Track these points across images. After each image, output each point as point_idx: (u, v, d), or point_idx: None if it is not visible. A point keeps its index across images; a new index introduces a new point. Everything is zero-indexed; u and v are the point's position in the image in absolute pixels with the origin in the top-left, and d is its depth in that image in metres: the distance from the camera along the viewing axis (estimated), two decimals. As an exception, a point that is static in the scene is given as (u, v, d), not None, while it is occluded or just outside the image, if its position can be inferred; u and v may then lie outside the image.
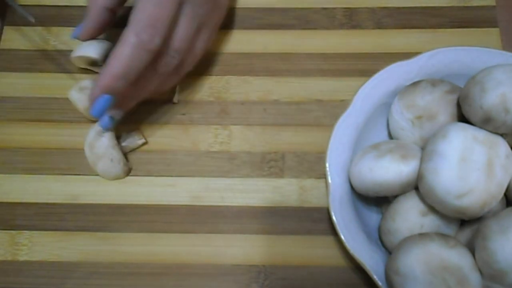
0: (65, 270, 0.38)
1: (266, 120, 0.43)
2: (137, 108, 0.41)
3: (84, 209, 0.40)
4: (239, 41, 0.45)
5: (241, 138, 0.42)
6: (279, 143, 0.42)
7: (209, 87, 0.44)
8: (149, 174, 0.41)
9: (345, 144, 0.38)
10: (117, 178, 0.41)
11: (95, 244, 0.39)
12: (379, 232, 0.38)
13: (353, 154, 0.38)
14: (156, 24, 0.35)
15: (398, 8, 0.46)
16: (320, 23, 0.46)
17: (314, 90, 0.43)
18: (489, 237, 0.31)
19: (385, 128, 0.41)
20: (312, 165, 0.41)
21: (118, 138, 0.41)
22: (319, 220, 0.39)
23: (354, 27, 0.45)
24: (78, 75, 0.44)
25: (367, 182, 0.35)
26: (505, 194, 0.34)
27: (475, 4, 0.45)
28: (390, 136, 0.40)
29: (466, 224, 0.35)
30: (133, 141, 0.41)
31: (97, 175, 0.41)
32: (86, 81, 0.41)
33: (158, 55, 0.36)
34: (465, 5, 0.45)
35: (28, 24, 0.46)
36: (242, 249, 0.39)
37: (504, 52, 0.39)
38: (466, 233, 0.35)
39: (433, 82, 0.38)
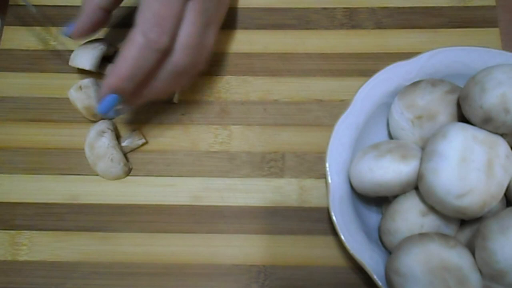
0: (65, 270, 0.38)
1: (266, 120, 0.43)
2: (137, 108, 0.41)
3: (84, 209, 0.40)
4: (239, 41, 0.45)
5: (241, 138, 0.42)
6: (279, 143, 0.42)
7: (209, 87, 0.44)
8: (149, 174, 0.41)
9: (345, 144, 0.38)
10: (117, 178, 0.41)
11: (95, 244, 0.39)
12: (379, 232, 0.38)
13: (353, 154, 0.38)
14: (163, 23, 0.35)
15: (398, 8, 0.46)
16: (320, 23, 0.46)
17: (314, 90, 0.43)
18: (489, 237, 0.31)
19: (385, 128, 0.41)
20: (312, 165, 0.41)
21: (118, 138, 0.41)
22: (319, 220, 0.39)
23: (354, 27, 0.45)
24: (77, 75, 0.44)
25: (367, 182, 0.35)
26: (505, 194, 0.34)
27: (475, 4, 0.45)
28: (390, 136, 0.40)
29: (466, 224, 0.35)
30: (133, 141, 0.41)
31: (97, 175, 0.41)
32: (85, 81, 0.41)
33: (166, 53, 0.36)
34: (465, 5, 0.45)
35: (28, 24, 0.46)
36: (242, 249, 0.39)
37: (504, 52, 0.39)
38: (466, 233, 0.35)
39: (433, 82, 0.38)
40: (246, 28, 0.45)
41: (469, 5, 0.45)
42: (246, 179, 0.41)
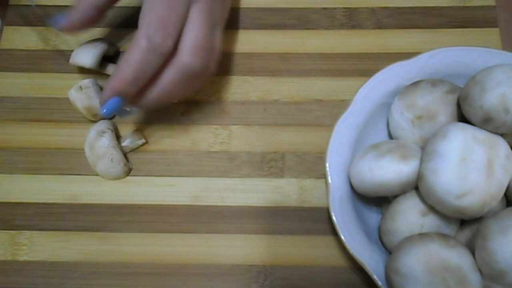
0: (65, 270, 0.38)
1: (266, 120, 0.43)
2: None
3: (84, 209, 0.40)
4: (239, 41, 0.45)
5: (241, 138, 0.42)
6: (279, 143, 0.42)
7: (209, 87, 0.44)
8: (149, 174, 0.41)
9: (345, 144, 0.38)
10: (117, 178, 0.41)
11: (95, 244, 0.39)
12: (379, 232, 0.38)
13: (353, 154, 0.38)
14: (167, 26, 0.34)
15: (398, 8, 0.46)
16: (320, 23, 0.46)
17: (314, 90, 0.43)
18: (489, 237, 0.31)
19: (385, 128, 0.41)
20: (312, 165, 0.41)
21: (118, 138, 0.41)
22: (319, 220, 0.39)
23: (354, 27, 0.45)
24: (78, 75, 0.44)
25: (367, 182, 0.35)
26: (505, 194, 0.34)
27: (475, 4, 0.45)
28: (390, 136, 0.40)
29: (466, 224, 0.35)
30: (133, 141, 0.41)
31: (97, 175, 0.41)
32: (85, 81, 0.41)
33: (170, 56, 0.35)
34: (465, 5, 0.45)
35: (28, 24, 0.46)
36: (242, 249, 0.39)
37: (504, 52, 0.39)
38: (466, 233, 0.35)
39: (433, 82, 0.38)
40: (246, 28, 0.45)
41: (469, 5, 0.45)
42: (246, 179, 0.41)
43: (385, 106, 0.39)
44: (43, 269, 0.38)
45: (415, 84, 0.38)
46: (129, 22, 0.46)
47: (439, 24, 0.45)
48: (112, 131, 0.40)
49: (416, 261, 0.32)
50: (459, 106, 0.36)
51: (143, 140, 0.41)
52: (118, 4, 0.46)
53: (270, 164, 0.41)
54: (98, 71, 0.43)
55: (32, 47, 0.45)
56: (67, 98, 0.42)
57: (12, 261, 0.39)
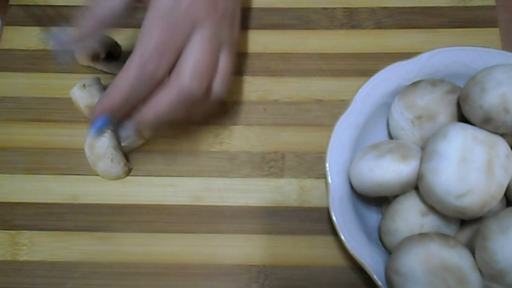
0: (65, 270, 0.38)
1: (266, 120, 0.43)
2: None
3: (84, 209, 0.40)
4: (240, 41, 0.45)
5: (241, 138, 0.42)
6: (279, 143, 0.42)
7: (209, 87, 0.44)
8: (149, 174, 0.41)
9: (345, 144, 0.38)
10: (117, 178, 0.41)
11: (95, 244, 0.39)
12: (379, 232, 0.38)
13: (353, 154, 0.38)
14: (163, 53, 0.34)
15: (398, 8, 0.46)
16: (320, 23, 0.46)
17: (314, 90, 0.43)
18: (489, 237, 0.31)
19: (385, 128, 0.41)
20: (312, 165, 0.41)
21: (118, 138, 0.41)
22: (319, 220, 0.39)
23: (354, 27, 0.45)
24: (78, 75, 0.44)
25: (367, 182, 0.35)
26: (505, 194, 0.34)
27: (475, 4, 0.45)
28: (390, 136, 0.40)
29: (466, 224, 0.35)
30: (133, 141, 0.41)
31: (97, 175, 0.41)
32: (88, 79, 0.41)
33: (163, 80, 0.35)
34: (465, 5, 0.45)
35: (28, 24, 0.46)
36: (242, 249, 0.39)
37: (504, 52, 0.39)
38: (466, 233, 0.35)
39: (433, 82, 0.38)
40: (246, 28, 0.45)
41: (469, 5, 0.45)
42: (246, 179, 0.41)
43: (385, 106, 0.39)
44: (43, 269, 0.38)
45: (415, 84, 0.38)
46: (131, 22, 0.45)
47: (439, 24, 0.45)
48: (112, 131, 0.40)
49: (416, 261, 0.32)
50: (459, 106, 0.36)
51: (143, 140, 0.41)
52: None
53: (270, 164, 0.41)
54: (99, 69, 0.43)
55: (32, 47, 0.45)
56: (68, 98, 0.42)
57: (12, 261, 0.39)
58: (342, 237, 0.35)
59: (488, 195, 0.32)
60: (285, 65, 0.44)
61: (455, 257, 0.32)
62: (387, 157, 0.35)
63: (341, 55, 0.44)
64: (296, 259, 0.39)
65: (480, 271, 0.32)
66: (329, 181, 0.37)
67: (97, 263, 0.39)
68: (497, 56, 0.39)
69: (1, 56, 0.45)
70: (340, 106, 0.42)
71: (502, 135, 0.33)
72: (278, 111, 0.43)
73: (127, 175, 0.41)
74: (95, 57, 0.43)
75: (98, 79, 0.42)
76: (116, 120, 0.36)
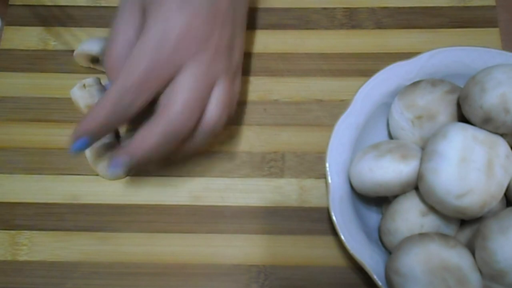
0: (65, 270, 0.38)
1: (266, 120, 0.43)
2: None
3: (84, 209, 0.40)
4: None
5: (241, 138, 0.42)
6: (279, 143, 0.42)
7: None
8: (149, 174, 0.41)
9: (345, 144, 0.38)
10: (117, 178, 0.41)
11: (95, 244, 0.39)
12: (379, 232, 0.38)
13: (353, 154, 0.38)
14: (143, 88, 0.33)
15: (398, 8, 0.46)
16: (320, 23, 0.46)
17: (314, 90, 0.43)
18: (489, 237, 0.31)
19: (385, 128, 0.41)
20: (312, 165, 0.41)
21: (118, 138, 0.41)
22: (319, 220, 0.39)
23: (354, 27, 0.45)
24: (78, 75, 0.44)
25: (367, 182, 0.35)
26: (505, 194, 0.34)
27: (475, 4, 0.45)
28: (390, 136, 0.40)
29: (466, 224, 0.35)
30: None
31: (97, 175, 0.41)
32: (89, 79, 0.41)
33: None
34: (465, 5, 0.45)
35: (28, 24, 0.46)
36: (242, 249, 0.39)
37: (504, 52, 0.39)
38: (466, 233, 0.35)
39: (433, 82, 0.38)
40: (246, 28, 0.45)
41: (469, 5, 0.45)
42: (246, 179, 0.41)
43: (385, 106, 0.39)
44: (43, 269, 0.38)
45: (415, 84, 0.38)
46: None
47: (439, 24, 0.45)
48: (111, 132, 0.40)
49: (416, 261, 0.32)
50: (459, 106, 0.36)
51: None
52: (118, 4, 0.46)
53: (270, 164, 0.41)
54: (99, 70, 0.43)
55: (32, 47, 0.45)
56: (68, 98, 0.42)
57: (12, 261, 0.39)
58: (342, 237, 0.35)
59: (488, 195, 0.32)
60: (285, 65, 0.44)
61: (455, 257, 0.32)
62: (387, 157, 0.35)
63: (341, 55, 0.44)
64: (296, 259, 0.39)
65: (480, 271, 0.32)
66: (329, 181, 0.37)
67: (97, 263, 0.39)
68: (497, 56, 0.39)
69: (1, 56, 0.45)
70: (340, 106, 0.42)
71: (502, 135, 0.33)
72: (278, 111, 0.43)
73: (127, 175, 0.41)
74: (94, 59, 0.43)
75: (98, 79, 0.42)
76: (94, 141, 0.35)
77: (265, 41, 0.45)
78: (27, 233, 0.40)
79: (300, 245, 0.39)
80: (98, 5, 0.46)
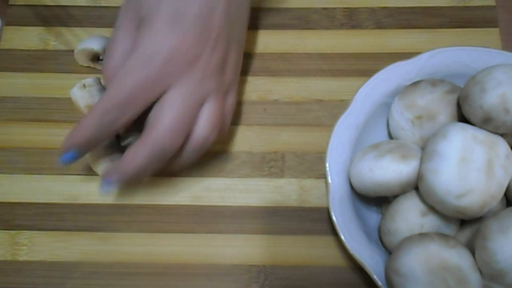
0: (65, 270, 0.38)
1: (266, 120, 0.43)
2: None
3: (84, 209, 0.40)
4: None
5: (241, 138, 0.42)
6: (279, 143, 0.42)
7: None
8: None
9: (345, 144, 0.38)
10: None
11: (95, 244, 0.39)
12: (379, 232, 0.38)
13: (353, 154, 0.38)
14: (127, 106, 0.33)
15: (398, 8, 0.46)
16: (320, 23, 0.46)
17: (314, 90, 0.43)
18: (489, 237, 0.31)
19: (385, 128, 0.41)
20: (312, 165, 0.41)
21: (118, 138, 0.41)
22: (319, 220, 0.39)
23: (354, 27, 0.45)
24: (78, 75, 0.44)
25: (367, 182, 0.35)
26: (505, 194, 0.34)
27: (475, 4, 0.45)
28: (390, 136, 0.40)
29: (466, 224, 0.35)
30: (133, 141, 0.41)
31: (97, 175, 0.41)
32: (89, 79, 0.41)
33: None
34: (465, 5, 0.45)
35: (28, 24, 0.46)
36: (242, 249, 0.39)
37: (504, 52, 0.39)
38: (466, 233, 0.35)
39: (433, 82, 0.38)
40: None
41: (469, 5, 0.45)
42: (246, 179, 0.41)
43: (385, 106, 0.39)
44: (43, 269, 0.38)
45: (415, 84, 0.38)
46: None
47: (439, 24, 0.45)
48: None
49: (416, 261, 0.32)
50: (459, 106, 0.36)
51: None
52: (119, 4, 0.46)
53: (270, 164, 0.41)
54: (99, 69, 0.43)
55: (32, 47, 0.45)
56: (68, 98, 0.41)
57: (12, 261, 0.39)
58: (342, 237, 0.35)
59: (488, 195, 0.32)
60: (285, 65, 0.44)
61: (455, 257, 0.32)
62: (387, 157, 0.35)
63: (341, 55, 0.44)
64: (296, 259, 0.39)
65: (480, 271, 0.32)
66: (329, 181, 0.37)
67: (97, 263, 0.39)
68: (497, 56, 0.39)
69: (1, 56, 0.45)
70: (340, 106, 0.42)
71: (502, 135, 0.33)
72: (278, 111, 0.43)
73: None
74: (94, 58, 0.43)
75: (98, 79, 0.42)
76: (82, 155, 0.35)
77: (265, 41, 0.45)
78: (27, 233, 0.40)
79: (300, 245, 0.39)
80: (98, 5, 0.46)
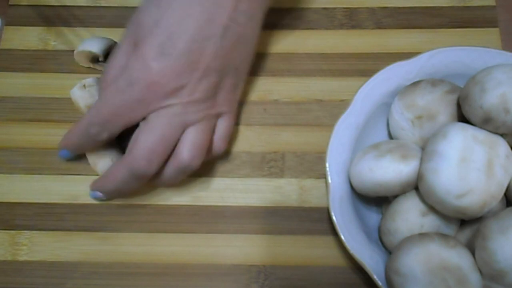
0: (65, 270, 0.38)
1: (266, 120, 0.42)
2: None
3: (84, 209, 0.40)
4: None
5: (241, 138, 0.42)
6: (279, 143, 0.42)
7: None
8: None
9: (345, 144, 0.38)
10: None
11: (95, 244, 0.39)
12: (379, 232, 0.38)
13: (353, 154, 0.38)
14: (108, 124, 0.36)
15: (398, 8, 0.46)
16: (320, 23, 0.46)
17: (314, 90, 0.43)
18: (489, 237, 0.31)
19: (385, 128, 0.41)
20: (312, 165, 0.41)
21: (119, 138, 0.41)
22: (319, 220, 0.39)
23: (354, 27, 0.45)
24: (78, 75, 0.44)
25: (367, 182, 0.35)
26: (505, 194, 0.34)
27: (475, 4, 0.45)
28: (390, 136, 0.40)
29: (466, 224, 0.35)
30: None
31: (97, 175, 0.41)
32: (89, 79, 0.41)
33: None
34: (465, 5, 0.45)
35: (28, 24, 0.46)
36: (242, 249, 0.39)
37: (504, 52, 0.39)
38: (466, 233, 0.35)
39: (433, 82, 0.38)
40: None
41: (469, 5, 0.45)
42: (246, 179, 0.41)
43: (385, 106, 0.39)
44: (43, 269, 0.38)
45: (415, 84, 0.38)
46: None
47: (439, 24, 0.45)
48: None
49: (416, 261, 0.32)
50: (459, 106, 0.36)
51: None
52: (119, 4, 0.46)
53: (270, 164, 0.41)
54: (99, 70, 0.43)
55: (32, 47, 0.45)
56: (68, 98, 0.41)
57: (12, 261, 0.39)
58: (342, 237, 0.35)
59: (488, 195, 0.32)
60: (285, 65, 0.44)
61: (455, 257, 0.32)
62: (387, 157, 0.35)
63: (341, 55, 0.44)
64: (296, 259, 0.39)
65: (480, 271, 0.32)
66: (329, 181, 0.37)
67: (97, 263, 0.39)
68: (497, 56, 0.39)
69: (1, 56, 0.45)
70: (340, 106, 0.42)
71: (502, 135, 0.33)
72: (278, 111, 0.43)
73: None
74: (94, 59, 0.43)
75: (98, 79, 0.42)
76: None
77: (265, 41, 0.45)
78: (27, 233, 0.40)
79: (300, 245, 0.39)
80: (98, 5, 0.46)
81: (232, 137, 0.42)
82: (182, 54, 0.34)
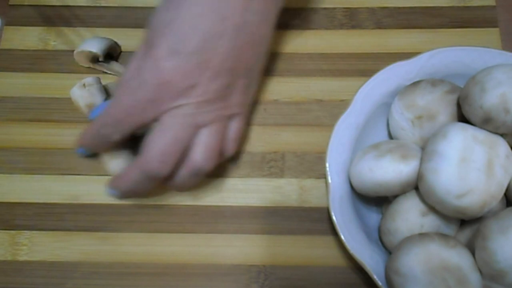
0: (65, 270, 0.38)
1: (266, 120, 0.43)
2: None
3: (84, 209, 0.40)
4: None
5: (241, 138, 0.42)
6: (279, 143, 0.42)
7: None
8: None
9: (345, 144, 0.38)
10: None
11: (95, 244, 0.39)
12: (379, 232, 0.38)
13: (353, 154, 0.38)
14: (120, 125, 0.36)
15: (398, 8, 0.46)
16: (320, 23, 0.46)
17: (314, 90, 0.43)
18: (489, 237, 0.31)
19: (385, 128, 0.41)
20: (312, 165, 0.41)
21: (133, 137, 0.41)
22: (319, 220, 0.39)
23: (354, 27, 0.45)
24: (78, 75, 0.44)
25: (367, 182, 0.35)
26: (505, 194, 0.34)
27: (475, 4, 0.45)
28: (390, 136, 0.40)
29: (466, 224, 0.35)
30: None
31: (97, 175, 0.41)
32: (89, 79, 0.41)
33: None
34: (465, 5, 0.45)
35: (28, 24, 0.46)
36: (242, 249, 0.39)
37: (504, 52, 0.39)
38: (466, 233, 0.35)
39: (433, 82, 0.38)
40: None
41: (469, 5, 0.45)
42: (246, 179, 0.41)
43: (385, 106, 0.39)
44: (43, 269, 0.38)
45: (415, 84, 0.38)
46: (131, 22, 0.46)
47: (439, 24, 0.45)
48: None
49: (416, 261, 0.32)
50: (459, 106, 0.36)
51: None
52: (119, 4, 0.46)
53: (270, 164, 0.41)
54: (99, 70, 0.43)
55: (32, 47, 0.45)
56: (68, 98, 0.41)
57: (12, 261, 0.39)
58: (342, 237, 0.35)
59: (488, 195, 0.32)
60: (285, 65, 0.44)
61: (455, 257, 0.32)
62: (387, 157, 0.35)
63: (341, 55, 0.44)
64: (296, 259, 0.39)
65: (480, 271, 0.32)
66: (329, 181, 0.37)
67: (97, 263, 0.39)
68: (497, 56, 0.39)
69: (1, 56, 0.45)
70: (340, 106, 0.42)
71: (502, 135, 0.33)
72: (278, 111, 0.43)
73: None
74: (94, 60, 0.43)
75: (98, 78, 0.42)
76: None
77: (265, 41, 0.45)
78: (27, 233, 0.40)
79: (300, 245, 0.39)
80: (98, 5, 0.46)
81: (232, 137, 0.42)
82: (193, 53, 0.34)
